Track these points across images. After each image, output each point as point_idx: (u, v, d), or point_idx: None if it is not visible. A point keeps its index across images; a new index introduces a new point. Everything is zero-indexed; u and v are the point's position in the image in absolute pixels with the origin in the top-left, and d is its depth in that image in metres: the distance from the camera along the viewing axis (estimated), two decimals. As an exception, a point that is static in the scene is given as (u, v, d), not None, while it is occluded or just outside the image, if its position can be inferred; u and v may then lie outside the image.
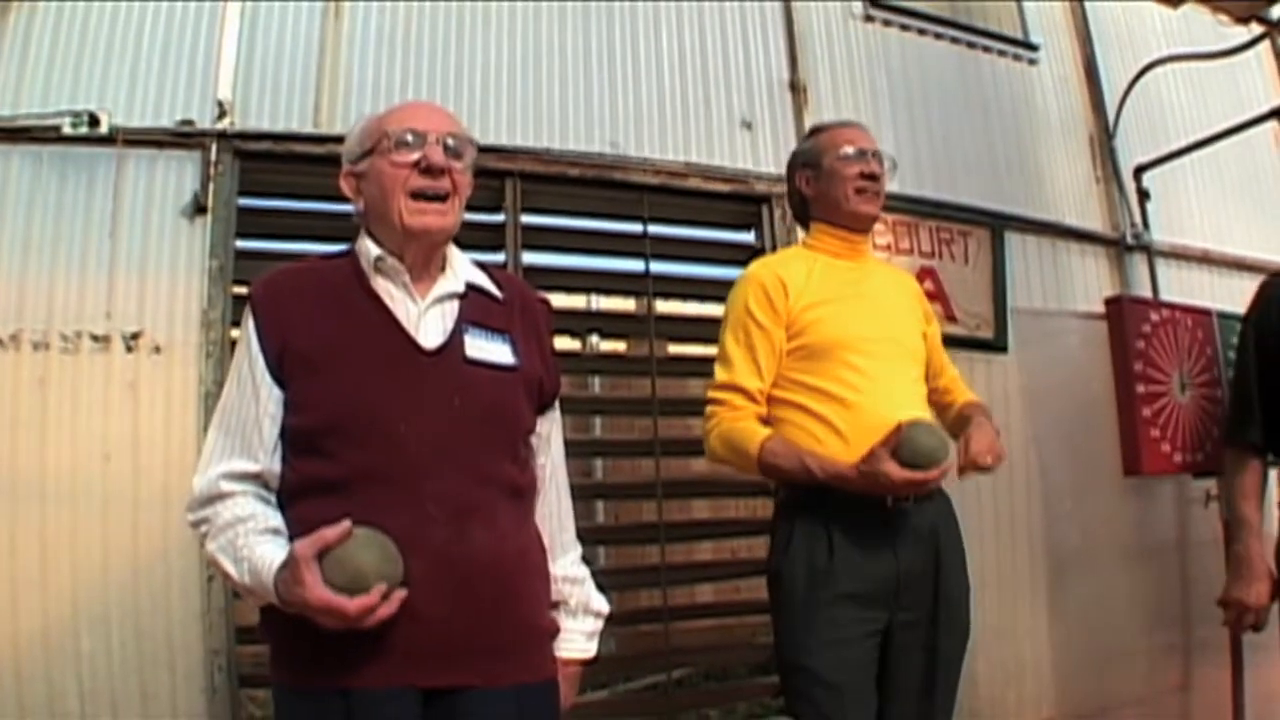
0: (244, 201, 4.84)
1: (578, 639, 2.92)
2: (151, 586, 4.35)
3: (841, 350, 3.65)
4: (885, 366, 3.66)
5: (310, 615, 2.32)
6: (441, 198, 2.69)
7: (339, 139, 4.27)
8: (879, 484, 3.40)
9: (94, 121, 4.55)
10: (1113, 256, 6.90)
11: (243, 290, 4.63)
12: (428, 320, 2.69)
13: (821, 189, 3.93)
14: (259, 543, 2.45)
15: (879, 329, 3.72)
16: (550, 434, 2.95)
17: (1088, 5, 7.39)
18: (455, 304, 2.75)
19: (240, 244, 4.78)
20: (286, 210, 5.09)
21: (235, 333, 4.48)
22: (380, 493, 2.48)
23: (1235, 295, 6.91)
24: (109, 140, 4.59)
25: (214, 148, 4.75)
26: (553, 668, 2.76)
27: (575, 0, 5.71)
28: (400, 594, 2.35)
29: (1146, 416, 5.96)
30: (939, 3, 6.81)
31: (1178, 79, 7.41)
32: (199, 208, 4.68)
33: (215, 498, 2.56)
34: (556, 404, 2.97)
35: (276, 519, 2.54)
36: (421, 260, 2.72)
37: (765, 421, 3.70)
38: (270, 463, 2.59)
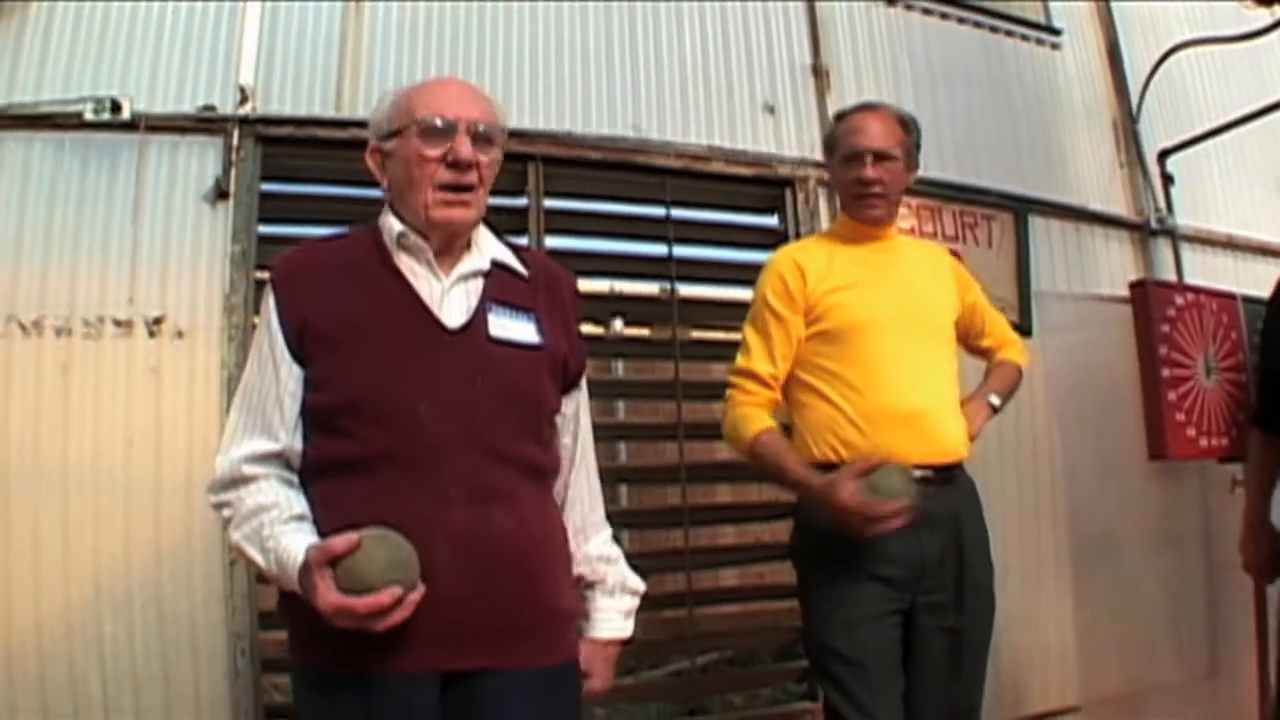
0: (266, 186, 4.84)
1: (615, 618, 2.91)
2: (174, 571, 4.36)
3: (861, 335, 3.68)
4: (907, 351, 3.68)
5: (327, 618, 2.30)
6: (468, 187, 2.65)
7: (361, 123, 4.27)
8: (830, 503, 3.43)
9: (116, 108, 4.55)
10: (1137, 241, 6.89)
11: (265, 275, 4.65)
12: (451, 298, 2.65)
13: (835, 181, 4.03)
14: (284, 533, 2.43)
15: (903, 312, 3.73)
16: (576, 413, 2.92)
17: (1110, -10, 7.36)
18: (479, 282, 2.71)
19: (262, 229, 4.78)
20: (308, 195, 5.10)
21: (258, 318, 4.53)
22: (400, 474, 2.48)
23: (1260, 280, 6.86)
24: (131, 126, 4.59)
25: (236, 133, 4.75)
26: (574, 650, 2.74)
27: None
28: (414, 598, 2.33)
29: (1172, 401, 5.95)
30: (962, -14, 6.79)
31: (1201, 63, 7.38)
32: (221, 193, 4.68)
33: (238, 481, 2.55)
34: (583, 382, 2.95)
35: (300, 504, 2.53)
36: (445, 241, 2.69)
37: (786, 401, 3.80)
38: (292, 441, 2.57)
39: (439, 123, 2.61)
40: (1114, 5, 7.33)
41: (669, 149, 5.60)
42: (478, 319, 2.65)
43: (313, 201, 5.09)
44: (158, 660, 4.29)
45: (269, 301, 2.65)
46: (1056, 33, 7.07)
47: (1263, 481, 4.58)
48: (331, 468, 2.54)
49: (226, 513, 2.57)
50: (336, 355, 2.56)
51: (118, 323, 4.45)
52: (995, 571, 3.81)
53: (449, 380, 2.55)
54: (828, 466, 3.61)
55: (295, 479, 2.59)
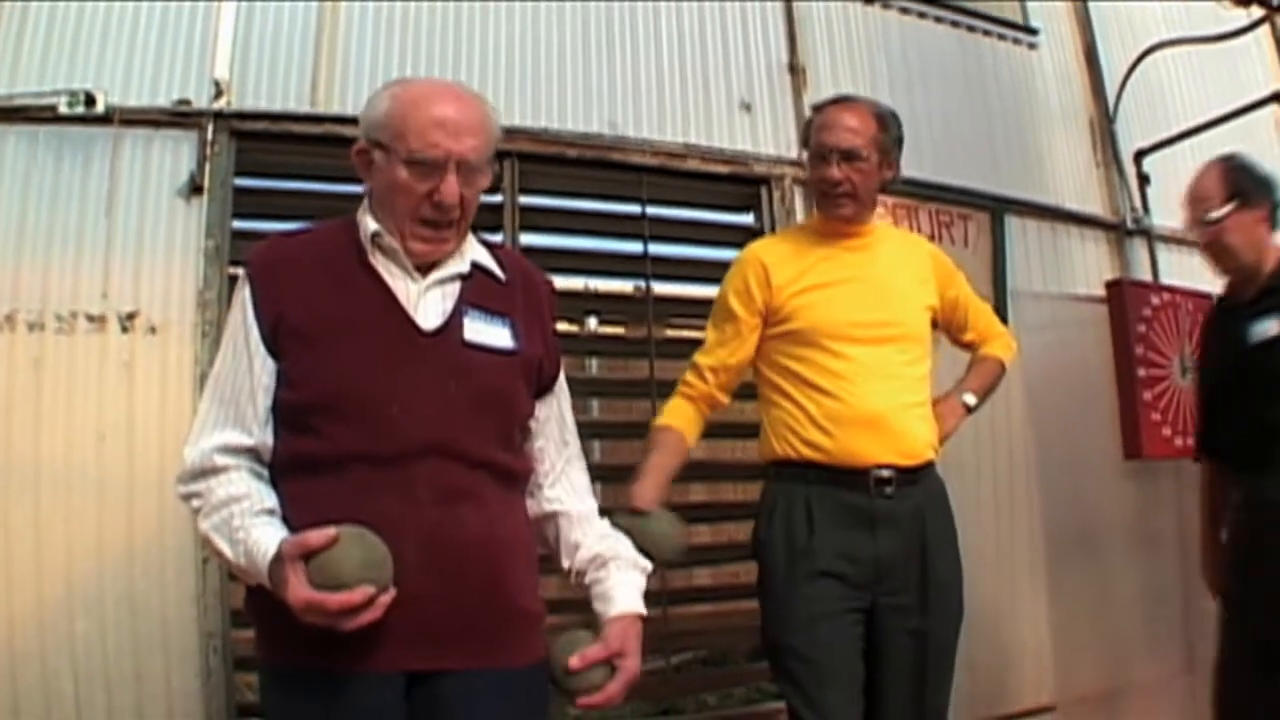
0: (240, 181, 4.82)
1: (634, 593, 2.83)
2: (146, 568, 4.35)
3: (825, 337, 3.67)
4: (876, 353, 3.68)
5: (297, 613, 2.28)
6: (449, 224, 2.63)
7: (336, 119, 4.23)
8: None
9: (90, 101, 4.53)
10: (1113, 240, 6.91)
11: (239, 270, 4.64)
12: (427, 300, 2.64)
13: (808, 177, 4.00)
14: (255, 525, 2.41)
15: (872, 313, 3.72)
16: (556, 415, 2.91)
17: (1088, -11, 7.38)
18: (456, 285, 2.70)
19: (236, 224, 4.76)
20: (283, 190, 5.09)
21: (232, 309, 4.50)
22: (370, 473, 2.46)
23: (1235, 280, 6.92)
24: (105, 120, 4.58)
25: (210, 127, 4.73)
26: (541, 651, 2.70)
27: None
28: (386, 599, 2.32)
29: (1147, 400, 5.98)
30: (939, -16, 6.80)
31: (1178, 63, 7.40)
32: (195, 187, 4.66)
33: (209, 471, 2.52)
34: (561, 384, 2.93)
35: (271, 498, 2.50)
36: None
37: (757, 398, 3.84)
38: (264, 435, 2.55)
39: (427, 159, 2.56)
40: (1091, 5, 7.36)
41: (645, 146, 5.60)
42: (453, 322, 2.64)
43: (287, 197, 5.08)
44: (130, 658, 4.27)
45: (244, 293, 2.63)
46: (1034, 32, 7.08)
47: (1213, 508, 4.60)
48: (301, 465, 2.52)
49: (195, 503, 2.53)
50: (310, 352, 2.54)
51: (91, 318, 4.43)
52: (966, 571, 3.81)
53: (422, 382, 2.54)
54: (789, 464, 3.67)
55: (265, 473, 2.57)
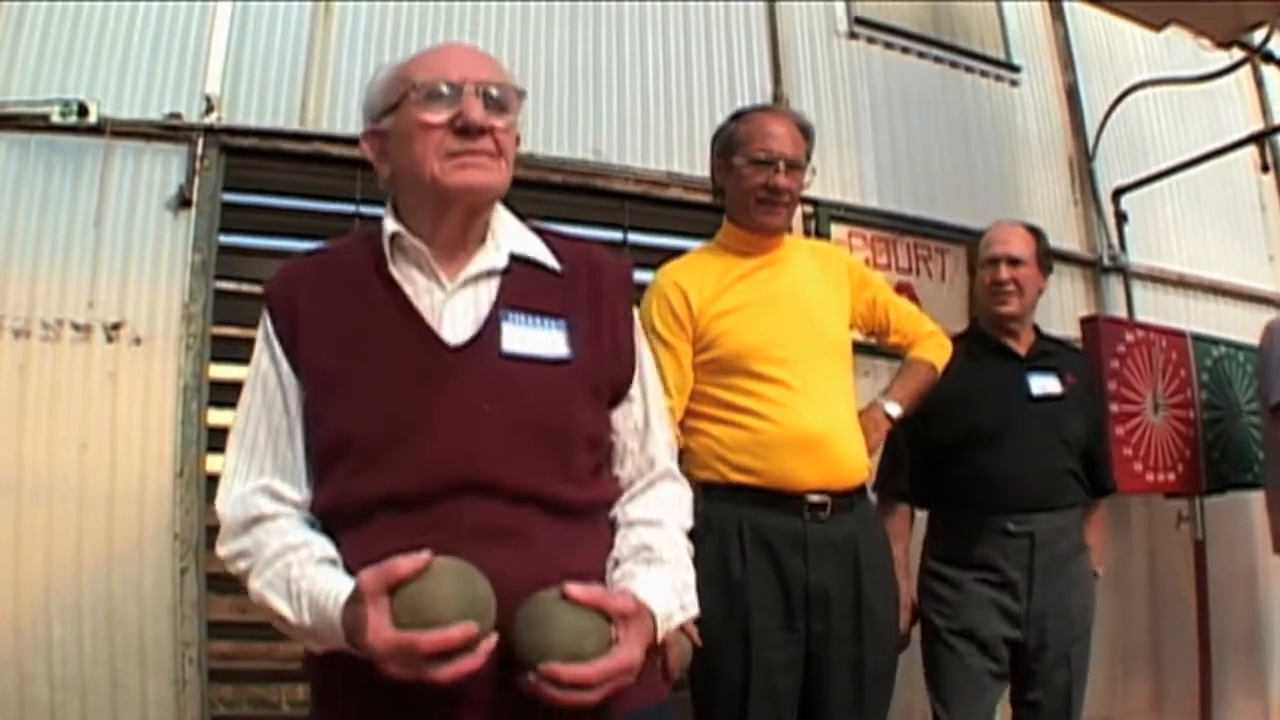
0: (228, 197, 4.86)
1: (664, 593, 2.17)
2: (125, 577, 4.37)
3: (751, 361, 3.53)
4: (800, 372, 3.54)
5: (378, 663, 1.87)
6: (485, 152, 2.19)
7: (325, 137, 4.24)
8: None
9: (83, 111, 4.57)
10: (1089, 278, 6.93)
11: (225, 285, 4.69)
12: (455, 307, 2.20)
13: (730, 185, 3.78)
14: (319, 572, 2.03)
15: (793, 331, 3.59)
16: (633, 426, 2.38)
17: (1070, 27, 7.42)
18: (494, 283, 2.24)
19: (223, 239, 4.80)
20: (270, 207, 5.11)
21: (216, 328, 4.53)
22: (397, 520, 2.03)
23: (1210, 319, 6.99)
24: (97, 130, 4.61)
25: (200, 142, 4.77)
26: (655, 689, 2.27)
27: (562, 1, 5.75)
28: (489, 644, 1.88)
29: (1119, 435, 5.98)
30: (922, 17, 6.84)
31: (1158, 103, 7.46)
32: (184, 201, 4.70)
33: (254, 520, 2.13)
34: (646, 389, 2.41)
35: (330, 547, 2.10)
36: (457, 232, 2.24)
37: (683, 430, 3.59)
38: (308, 487, 2.19)
39: (443, 88, 2.18)
40: (1073, 43, 7.39)
41: (628, 174, 5.63)
42: (488, 331, 2.18)
43: (274, 214, 5.11)
44: (105, 666, 4.29)
45: (264, 327, 2.26)
46: (1016, 69, 7.13)
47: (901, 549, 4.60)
48: (326, 521, 2.16)
49: (243, 564, 2.13)
50: (324, 389, 2.17)
51: (76, 327, 4.46)
52: (899, 598, 3.78)
53: (449, 407, 2.11)
54: (715, 486, 3.51)
55: (318, 523, 2.17)
